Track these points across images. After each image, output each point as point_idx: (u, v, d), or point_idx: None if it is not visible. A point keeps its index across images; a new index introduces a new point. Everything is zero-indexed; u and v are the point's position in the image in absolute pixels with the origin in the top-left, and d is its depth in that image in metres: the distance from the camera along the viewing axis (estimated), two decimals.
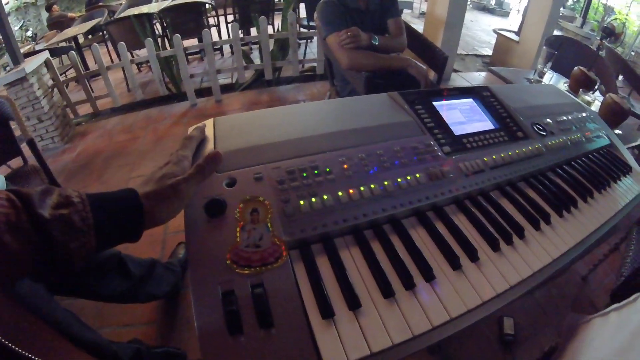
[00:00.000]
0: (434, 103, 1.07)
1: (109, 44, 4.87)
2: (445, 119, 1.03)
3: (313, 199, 0.72)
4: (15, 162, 2.03)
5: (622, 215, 1.02)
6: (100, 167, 2.89)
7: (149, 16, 4.30)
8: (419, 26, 4.24)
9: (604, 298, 1.83)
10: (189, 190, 0.64)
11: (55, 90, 3.44)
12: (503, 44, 4.92)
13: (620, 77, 4.40)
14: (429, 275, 0.69)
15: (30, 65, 3.08)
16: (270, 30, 3.82)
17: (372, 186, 0.78)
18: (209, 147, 0.81)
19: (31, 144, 1.84)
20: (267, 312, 0.58)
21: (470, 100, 1.16)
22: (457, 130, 1.01)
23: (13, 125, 1.96)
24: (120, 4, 6.07)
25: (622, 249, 1.77)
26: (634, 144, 1.96)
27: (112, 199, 0.58)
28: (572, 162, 1.14)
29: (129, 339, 1.46)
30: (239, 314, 0.57)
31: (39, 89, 3.16)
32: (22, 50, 3.44)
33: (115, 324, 1.70)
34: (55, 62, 3.49)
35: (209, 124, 0.87)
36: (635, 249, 1.53)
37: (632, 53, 6.38)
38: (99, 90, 3.82)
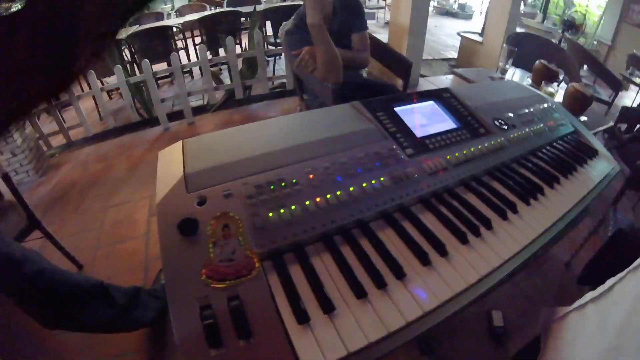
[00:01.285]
0: (395, 109, 1.11)
1: None
2: (406, 122, 1.07)
3: (282, 210, 0.75)
4: None
5: (592, 197, 1.06)
6: (77, 198, 2.85)
7: (117, 42, 4.27)
8: (384, 35, 4.34)
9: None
10: None
11: (27, 122, 3.39)
12: (467, 46, 5.05)
13: (585, 67, 4.56)
14: (399, 273, 0.71)
15: None
16: (238, 49, 3.84)
17: (338, 193, 0.81)
18: (178, 169, 0.82)
19: (6, 178, 1.82)
20: (245, 323, 0.59)
21: (431, 102, 1.21)
22: (419, 132, 1.05)
23: None
24: None
25: (601, 232, 1.83)
26: (601, 128, 2.02)
27: None
28: (537, 152, 1.19)
29: None
30: (218, 327, 0.58)
31: None
32: None
33: (104, 354, 1.67)
34: None
35: (177, 146, 0.89)
36: (613, 230, 1.58)
37: (595, 42, 6.60)
38: (70, 120, 3.76)
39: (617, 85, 3.20)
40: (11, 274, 1.12)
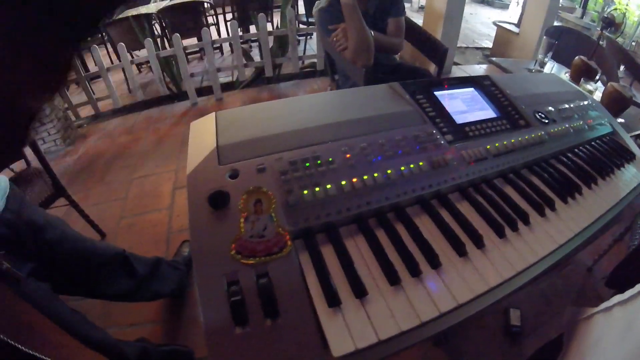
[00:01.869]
0: (435, 93, 1.07)
1: (109, 45, 4.87)
2: (446, 108, 1.03)
3: (316, 189, 0.72)
4: (19, 166, 2.03)
5: (627, 201, 1.02)
6: (103, 168, 2.89)
7: (147, 16, 4.29)
8: (418, 20, 4.23)
9: (609, 290, 1.83)
10: None
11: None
12: (503, 36, 4.89)
13: (622, 68, 4.38)
14: (435, 262, 0.68)
15: None
16: (269, 27, 3.80)
17: (375, 175, 0.77)
18: (211, 141, 0.80)
19: (34, 146, 1.84)
20: (273, 301, 0.58)
21: (472, 89, 1.16)
22: (459, 119, 1.01)
23: None
24: None
25: (627, 239, 1.76)
26: (637, 133, 1.95)
27: None
28: (575, 150, 1.14)
29: (136, 338, 1.46)
30: (245, 305, 0.57)
31: None
32: None
33: (122, 323, 1.70)
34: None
35: (210, 118, 0.88)
36: None
37: (633, 43, 6.33)
38: (99, 92, 3.81)
39: None
40: (33, 239, 1.13)
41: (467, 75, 1.66)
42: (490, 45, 5.36)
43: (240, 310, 0.56)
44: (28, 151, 1.96)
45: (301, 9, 4.66)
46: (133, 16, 4.02)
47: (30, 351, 0.54)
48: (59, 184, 1.92)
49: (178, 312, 1.73)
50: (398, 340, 0.59)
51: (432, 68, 2.57)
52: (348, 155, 0.80)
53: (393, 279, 0.64)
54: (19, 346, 0.53)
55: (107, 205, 2.46)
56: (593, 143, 1.20)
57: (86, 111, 3.73)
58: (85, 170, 2.93)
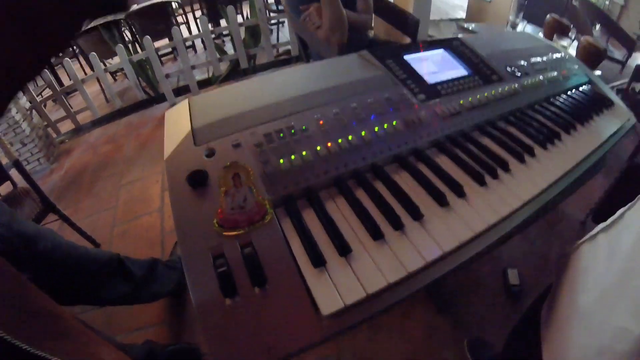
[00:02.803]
0: (405, 57, 1.08)
1: (81, 58, 4.80)
2: (417, 70, 1.04)
3: (292, 157, 0.73)
4: (5, 189, 2.01)
5: (609, 146, 1.03)
6: (89, 180, 2.87)
7: (116, 23, 4.23)
8: None
9: None
10: None
11: (34, 112, 3.40)
12: (475, 5, 4.89)
13: (598, 27, 4.42)
14: (416, 214, 0.69)
15: None
16: (240, 19, 3.77)
17: (350, 138, 0.78)
18: (185, 125, 0.80)
19: (17, 165, 1.83)
20: (259, 269, 0.58)
21: (442, 51, 1.17)
22: (430, 79, 1.02)
23: None
24: None
25: None
26: (615, 84, 1.97)
27: None
28: (551, 99, 1.15)
29: (142, 342, 1.46)
30: (232, 275, 0.57)
31: (17, 112, 3.11)
32: None
33: (126, 330, 1.70)
34: (30, 84, 3.44)
35: (184, 104, 0.88)
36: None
37: (607, 2, 6.36)
38: (77, 105, 3.76)
39: (631, 45, 3.10)
40: (25, 250, 1.13)
41: None
42: (464, 15, 5.37)
43: (228, 281, 0.57)
44: (14, 173, 1.94)
45: None
46: (102, 24, 3.96)
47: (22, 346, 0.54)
48: (47, 199, 1.91)
49: (180, 311, 1.73)
50: (387, 294, 0.60)
51: (407, 42, 2.57)
52: (321, 122, 0.80)
53: (376, 234, 0.65)
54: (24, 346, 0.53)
55: (98, 216, 2.45)
56: (570, 93, 1.21)
57: (66, 126, 3.68)
58: (72, 184, 2.90)
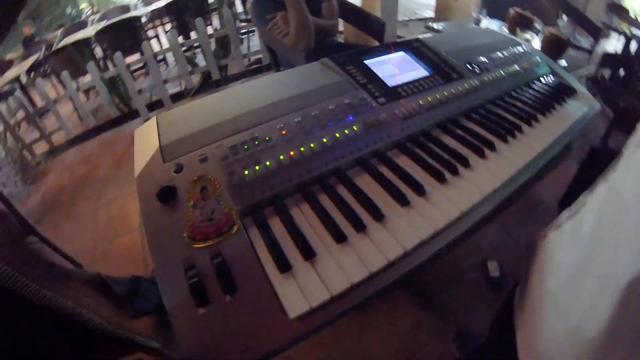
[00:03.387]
0: (365, 61, 1.11)
1: (53, 77, 4.74)
2: (377, 73, 1.07)
3: (257, 167, 0.75)
4: None
5: (573, 132, 1.06)
6: (68, 202, 2.84)
7: (86, 41, 4.19)
8: (356, 0, 4.26)
9: None
10: None
11: (8, 134, 3.35)
12: (443, 3, 4.96)
13: (564, 18, 4.51)
14: (377, 215, 0.72)
15: None
16: (210, 30, 3.77)
17: (312, 145, 0.81)
18: (154, 143, 0.82)
19: None
20: (229, 278, 0.60)
21: (402, 53, 1.20)
22: (391, 82, 1.05)
23: None
24: (56, 36, 5.90)
25: None
26: (582, 72, 2.02)
27: None
28: (512, 93, 1.19)
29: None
30: (203, 285, 0.59)
31: None
32: None
33: None
34: (2, 106, 3.39)
35: (152, 122, 0.89)
36: None
37: None
38: (51, 125, 3.71)
39: (597, 33, 3.18)
40: None
41: None
42: (432, 14, 5.44)
43: (200, 291, 0.59)
44: None
45: (239, 7, 4.64)
46: (72, 43, 3.93)
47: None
48: (26, 222, 1.90)
49: (168, 325, 1.73)
50: (353, 294, 0.62)
51: (376, 44, 2.60)
52: (284, 132, 0.82)
53: (339, 237, 0.67)
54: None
55: (79, 238, 2.42)
56: (531, 84, 1.25)
57: (41, 148, 3.63)
58: (51, 207, 2.87)
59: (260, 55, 3.97)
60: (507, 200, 0.83)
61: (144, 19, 4.64)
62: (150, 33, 5.26)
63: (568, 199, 1.34)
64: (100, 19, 4.76)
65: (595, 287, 0.53)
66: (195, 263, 0.62)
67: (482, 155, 0.90)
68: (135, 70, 4.60)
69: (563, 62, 1.89)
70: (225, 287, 0.59)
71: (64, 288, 0.67)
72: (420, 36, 1.32)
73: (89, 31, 4.48)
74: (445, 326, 1.53)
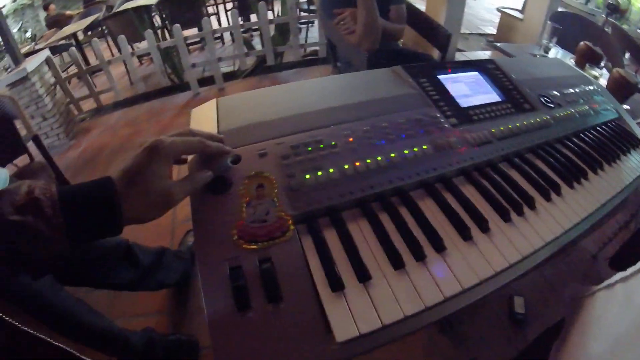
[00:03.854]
0: (439, 76, 1.05)
1: (109, 39, 4.86)
2: (450, 91, 1.01)
3: (319, 173, 0.71)
4: (22, 161, 2.03)
5: (633, 187, 1.00)
6: (106, 161, 2.90)
7: (147, 8, 4.28)
8: (420, 6, 4.19)
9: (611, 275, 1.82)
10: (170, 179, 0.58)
11: (58, 87, 3.44)
12: (507, 22, 4.85)
13: (627, 55, 4.34)
14: (439, 245, 0.67)
15: (31, 64, 3.08)
16: (270, 15, 3.77)
17: (379, 158, 0.76)
18: (212, 127, 0.80)
19: (36, 140, 1.85)
20: (276, 286, 0.57)
21: (476, 73, 1.14)
22: (463, 102, 0.99)
23: (18, 124, 1.95)
24: None
25: (632, 226, 1.75)
26: None
27: (86, 191, 0.51)
28: (580, 134, 1.12)
29: (142, 328, 1.47)
30: (247, 290, 0.56)
31: (41, 87, 3.16)
32: (22, 51, 3.44)
33: (127, 314, 1.71)
34: (56, 60, 3.49)
35: (211, 104, 0.87)
36: None
37: (638, 30, 6.26)
38: (101, 85, 3.81)
39: None
40: None
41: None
42: (494, 31, 5.32)
43: (242, 295, 0.56)
44: (31, 146, 1.96)
45: None
46: (132, 8, 4.01)
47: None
48: (63, 177, 1.93)
49: (183, 301, 1.74)
50: (402, 325, 0.58)
51: (435, 54, 2.54)
52: (351, 139, 0.78)
53: (397, 263, 0.63)
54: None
55: None
56: (598, 128, 1.18)
57: (88, 105, 3.73)
58: (88, 164, 2.94)
59: (317, 47, 3.95)
60: (561, 249, 0.78)
61: None
62: (211, 10, 5.33)
63: (621, 258, 1.28)
64: None
65: None
66: (242, 264, 0.59)
67: (547, 198, 0.85)
68: (192, 44, 4.67)
69: (626, 106, 1.79)
70: (270, 295, 0.56)
71: None
72: (494, 58, 1.25)
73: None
74: (460, 354, 1.49)
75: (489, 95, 1.07)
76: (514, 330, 1.58)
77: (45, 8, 7.36)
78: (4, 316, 0.52)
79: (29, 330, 0.54)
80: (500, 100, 1.06)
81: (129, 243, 1.45)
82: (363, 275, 0.61)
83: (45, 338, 0.56)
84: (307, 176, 0.70)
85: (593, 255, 1.91)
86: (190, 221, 0.65)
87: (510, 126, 0.97)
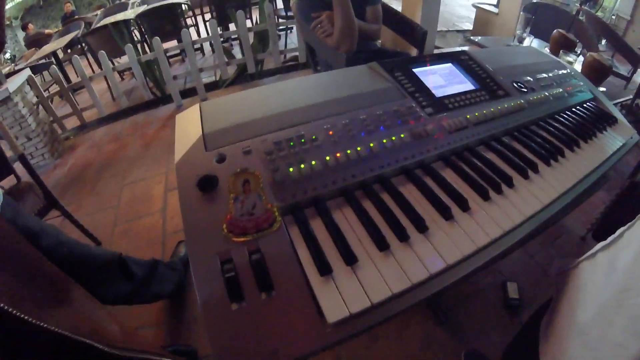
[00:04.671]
0: (414, 70, 1.09)
1: (89, 55, 4.84)
2: (425, 83, 1.05)
3: (302, 165, 0.74)
4: (8, 182, 2.01)
5: (611, 163, 1.04)
6: (93, 178, 2.89)
7: (126, 23, 4.28)
8: (397, 6, 4.25)
9: None
10: None
11: (40, 107, 3.42)
12: (483, 17, 4.93)
13: (604, 42, 4.43)
14: (421, 226, 0.70)
15: (12, 84, 3.04)
16: (248, 23, 3.79)
17: (359, 149, 0.79)
18: (196, 130, 0.82)
19: (23, 159, 1.84)
20: (266, 275, 0.59)
21: (450, 64, 1.18)
22: (438, 92, 1.03)
23: (2, 144, 1.94)
24: (96, 15, 6.03)
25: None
26: (619, 100, 1.98)
27: None
28: (556, 116, 1.16)
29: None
30: (239, 280, 0.58)
31: (24, 107, 3.13)
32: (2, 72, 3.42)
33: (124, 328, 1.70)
34: (37, 79, 3.47)
35: (194, 109, 0.89)
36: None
37: (613, 17, 6.38)
38: (83, 102, 3.79)
39: (636, 60, 3.10)
40: None
41: None
42: (470, 27, 5.40)
43: (235, 286, 0.58)
44: (18, 166, 1.95)
45: (280, 4, 4.67)
46: (112, 23, 4.00)
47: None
48: (51, 195, 1.91)
49: (179, 312, 1.74)
50: (391, 304, 0.61)
51: (414, 52, 2.58)
52: (331, 132, 0.81)
53: (382, 245, 0.66)
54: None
55: (100, 214, 2.46)
56: (574, 109, 1.23)
57: (72, 122, 3.71)
58: (75, 181, 2.92)
59: (296, 53, 3.97)
60: (543, 225, 0.81)
61: (184, 7, 4.71)
62: (190, 21, 5.34)
63: (602, 230, 1.31)
64: (142, 3, 4.84)
65: (626, 324, 0.52)
66: (232, 257, 0.61)
67: (525, 176, 0.88)
68: (172, 56, 4.68)
69: (602, 89, 1.84)
70: (261, 285, 0.58)
71: (62, 310, 0.66)
72: (467, 49, 1.29)
73: (130, 13, 4.57)
74: (458, 344, 1.50)
75: (464, 85, 1.11)
76: (510, 317, 1.59)
77: (24, 28, 7.33)
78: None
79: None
80: (474, 88, 1.10)
81: (122, 256, 1.45)
82: (350, 258, 0.63)
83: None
84: (291, 169, 0.73)
85: (582, 236, 1.95)
86: (180, 232, 0.67)
87: (485, 112, 1.01)
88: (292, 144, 0.77)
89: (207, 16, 5.18)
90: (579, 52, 2.24)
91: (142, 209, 2.42)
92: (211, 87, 3.88)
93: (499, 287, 1.69)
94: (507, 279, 1.71)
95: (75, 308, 0.72)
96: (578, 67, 2.00)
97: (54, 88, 3.77)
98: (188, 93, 3.84)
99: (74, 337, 0.61)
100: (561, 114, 1.18)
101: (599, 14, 5.91)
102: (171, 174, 2.68)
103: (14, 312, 0.54)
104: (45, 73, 4.89)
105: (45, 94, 3.50)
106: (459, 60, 1.20)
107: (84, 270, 1.30)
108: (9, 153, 1.96)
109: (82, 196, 2.70)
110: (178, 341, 1.63)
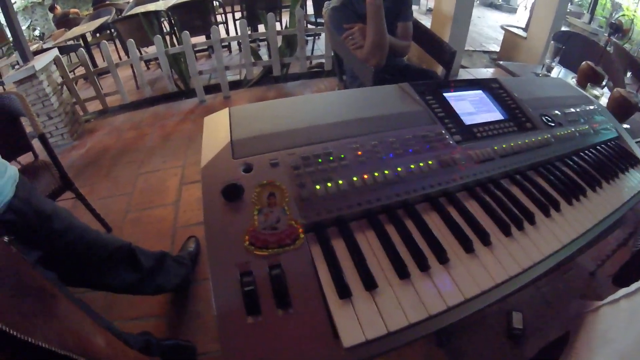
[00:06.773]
0: (444, 94, 1.09)
1: (117, 41, 4.90)
2: (455, 109, 1.05)
3: (328, 184, 0.74)
4: (26, 158, 2.04)
5: (631, 205, 1.03)
6: (109, 163, 2.92)
7: (156, 14, 4.32)
8: (426, 22, 4.25)
9: (611, 292, 1.82)
10: None
11: (64, 87, 3.47)
12: (510, 40, 4.89)
13: (629, 74, 4.38)
14: (443, 257, 0.70)
15: (39, 62, 3.10)
16: (277, 26, 3.81)
17: (386, 172, 0.79)
18: (224, 135, 0.82)
19: (42, 138, 1.85)
20: (285, 292, 0.59)
21: (480, 91, 1.18)
22: (467, 120, 1.03)
23: (23, 121, 1.97)
24: (127, 2, 6.11)
25: (630, 244, 1.77)
26: None
27: None
28: (580, 153, 1.15)
29: (140, 332, 1.47)
30: (257, 295, 0.59)
31: (48, 86, 3.18)
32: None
33: (125, 317, 1.71)
34: (63, 59, 3.51)
35: (224, 113, 0.90)
36: None
37: None
38: (107, 87, 3.85)
39: None
40: (40, 227, 1.13)
41: (473, 77, 1.67)
42: (497, 49, 5.37)
43: (252, 300, 0.58)
44: (36, 144, 1.98)
45: (310, 10, 4.69)
46: (142, 13, 4.05)
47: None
48: (67, 177, 1.93)
49: (181, 306, 1.74)
50: (406, 332, 0.61)
51: (439, 70, 2.58)
52: (359, 153, 0.81)
53: (402, 273, 0.66)
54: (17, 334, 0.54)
55: (113, 199, 2.48)
56: (598, 147, 1.21)
57: (94, 106, 3.75)
58: (91, 164, 2.95)
59: (322, 60, 3.98)
60: (560, 263, 0.80)
61: (216, 3, 4.74)
62: (219, 18, 5.39)
63: (624, 276, 1.29)
64: None
65: None
66: (252, 270, 0.61)
67: (547, 214, 0.87)
68: (199, 51, 4.71)
69: (626, 125, 1.82)
70: (279, 301, 0.58)
71: (50, 324, 0.65)
72: (498, 77, 1.28)
73: (161, 4, 4.61)
74: None
75: (493, 114, 1.10)
76: (511, 346, 1.57)
77: (51, 9, 7.43)
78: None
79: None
80: (503, 118, 1.10)
81: (132, 246, 1.46)
82: (370, 284, 0.63)
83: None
84: (317, 187, 0.73)
85: (591, 272, 1.92)
86: (191, 226, 0.67)
87: (512, 144, 1.00)
88: (320, 160, 0.78)
89: (237, 15, 5.23)
90: (604, 83, 2.22)
91: (156, 200, 2.44)
92: (235, 85, 3.90)
93: (503, 315, 1.67)
94: (512, 308, 1.69)
95: (61, 320, 0.72)
96: (604, 100, 1.97)
97: (80, 70, 3.82)
98: (211, 89, 3.86)
99: (61, 353, 0.61)
100: (586, 151, 1.17)
101: (627, 45, 5.84)
102: (188, 167, 2.71)
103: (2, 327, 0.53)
104: (72, 55, 4.96)
105: (71, 76, 3.54)
106: (490, 88, 1.20)
107: (93, 256, 1.31)
108: (28, 129, 1.98)
109: (97, 180, 2.73)
110: (178, 335, 1.63)
